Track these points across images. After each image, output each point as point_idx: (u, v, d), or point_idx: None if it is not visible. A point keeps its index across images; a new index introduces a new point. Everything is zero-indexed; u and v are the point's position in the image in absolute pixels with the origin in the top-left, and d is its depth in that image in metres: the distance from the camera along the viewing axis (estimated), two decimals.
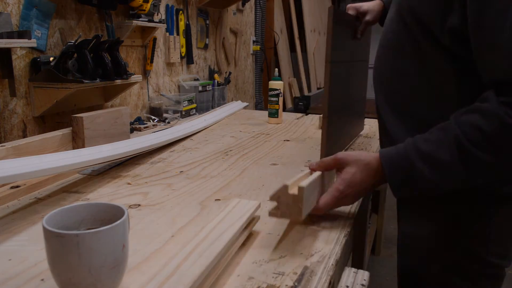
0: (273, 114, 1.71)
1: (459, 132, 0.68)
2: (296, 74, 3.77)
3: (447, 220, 0.80)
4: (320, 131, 1.18)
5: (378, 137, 0.99)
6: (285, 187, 0.69)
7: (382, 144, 0.93)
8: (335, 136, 1.15)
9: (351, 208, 0.84)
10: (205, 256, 0.55)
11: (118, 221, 0.50)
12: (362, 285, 0.65)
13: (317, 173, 0.77)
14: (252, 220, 0.72)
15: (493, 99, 0.66)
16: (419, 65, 0.79)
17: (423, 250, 0.85)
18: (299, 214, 0.68)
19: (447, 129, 0.70)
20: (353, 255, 1.07)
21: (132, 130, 1.51)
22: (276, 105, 1.70)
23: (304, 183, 0.69)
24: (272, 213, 0.71)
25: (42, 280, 0.57)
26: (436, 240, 0.82)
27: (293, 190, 0.69)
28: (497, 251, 0.79)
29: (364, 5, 1.15)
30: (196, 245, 0.58)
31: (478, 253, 0.79)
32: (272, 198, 0.70)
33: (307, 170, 0.80)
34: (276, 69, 1.77)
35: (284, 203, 0.69)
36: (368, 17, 1.15)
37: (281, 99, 1.70)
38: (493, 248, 0.79)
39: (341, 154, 0.79)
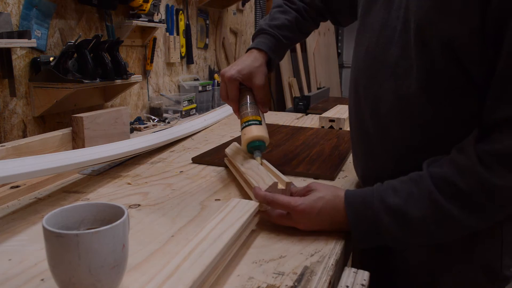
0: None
1: (433, 188, 0.62)
2: (296, 74, 3.77)
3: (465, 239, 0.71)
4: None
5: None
6: (275, 184, 0.74)
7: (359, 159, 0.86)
8: None
9: None
10: (205, 256, 0.55)
11: (118, 221, 0.50)
12: (362, 285, 0.65)
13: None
14: (252, 220, 0.72)
15: (471, 152, 0.60)
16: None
17: (432, 268, 0.77)
18: None
19: (420, 182, 0.63)
20: (353, 255, 1.07)
21: (132, 130, 1.51)
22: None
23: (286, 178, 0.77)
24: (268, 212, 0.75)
25: (42, 280, 0.57)
26: (449, 255, 0.75)
27: (280, 186, 0.76)
28: (510, 262, 0.74)
29: (244, 70, 0.92)
30: (196, 245, 0.58)
31: (492, 266, 0.74)
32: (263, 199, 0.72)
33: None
34: None
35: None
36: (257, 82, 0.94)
37: None
38: (506, 260, 0.74)
39: (313, 183, 0.74)
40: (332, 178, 0.98)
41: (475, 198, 0.60)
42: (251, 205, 0.72)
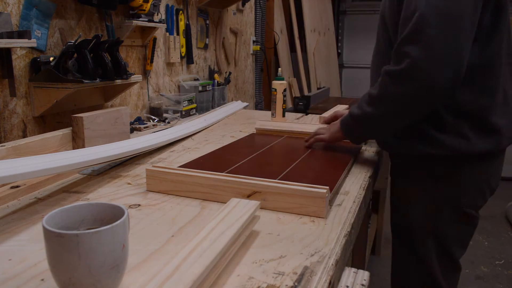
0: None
1: (365, 96, 1.04)
2: (296, 74, 3.77)
3: (430, 179, 1.04)
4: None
5: None
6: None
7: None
8: None
9: (351, 207, 0.84)
10: (205, 256, 0.55)
11: (118, 221, 0.50)
12: (362, 285, 0.65)
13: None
14: (252, 220, 0.72)
15: (383, 71, 0.96)
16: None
17: (411, 204, 1.08)
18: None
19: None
20: (353, 255, 1.07)
21: (132, 130, 1.51)
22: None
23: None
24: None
25: (42, 280, 0.57)
26: (421, 194, 1.06)
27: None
28: (467, 201, 1.02)
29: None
30: (196, 245, 0.58)
31: (453, 202, 1.02)
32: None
33: None
34: (280, 69, 1.77)
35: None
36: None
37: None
38: (464, 198, 1.02)
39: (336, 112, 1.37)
40: None
41: (379, 99, 0.98)
42: (251, 205, 0.72)
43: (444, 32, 0.85)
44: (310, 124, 1.51)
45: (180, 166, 0.99)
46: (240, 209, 0.71)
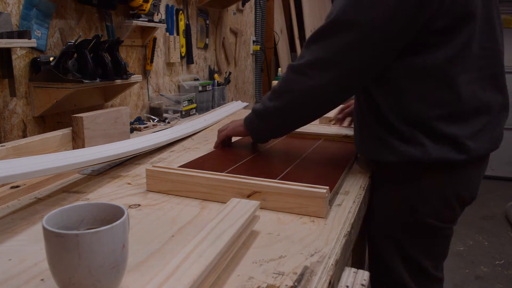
0: None
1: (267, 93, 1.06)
2: None
3: (395, 185, 1.02)
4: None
5: None
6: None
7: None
8: None
9: (350, 207, 0.84)
10: (205, 256, 0.55)
11: (118, 221, 0.50)
12: (362, 285, 0.65)
13: None
14: (252, 220, 0.72)
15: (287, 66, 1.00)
16: None
17: (376, 210, 1.07)
18: None
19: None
20: (353, 255, 1.07)
21: (132, 130, 1.51)
22: None
23: None
24: None
25: (42, 280, 0.57)
26: (389, 202, 1.04)
27: None
28: (427, 211, 0.99)
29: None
30: (196, 245, 0.58)
31: (413, 211, 0.99)
32: None
33: None
34: (280, 69, 1.77)
35: None
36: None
37: None
38: (423, 208, 0.98)
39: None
40: None
41: (277, 91, 1.02)
42: (251, 205, 0.72)
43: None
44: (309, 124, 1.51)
45: (180, 166, 0.99)
46: (240, 209, 0.71)
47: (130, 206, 0.83)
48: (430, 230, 1.01)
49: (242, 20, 2.90)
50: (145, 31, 1.77)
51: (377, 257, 1.08)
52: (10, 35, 1.11)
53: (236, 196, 0.82)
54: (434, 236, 1.03)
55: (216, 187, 0.86)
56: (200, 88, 2.07)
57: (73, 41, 1.26)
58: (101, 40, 1.32)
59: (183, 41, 2.10)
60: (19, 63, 1.23)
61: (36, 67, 1.26)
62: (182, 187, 0.89)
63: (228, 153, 1.18)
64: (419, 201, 0.99)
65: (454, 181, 0.97)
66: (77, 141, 1.18)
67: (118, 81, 1.41)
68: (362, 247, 1.33)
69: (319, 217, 0.79)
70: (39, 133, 1.28)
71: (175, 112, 1.85)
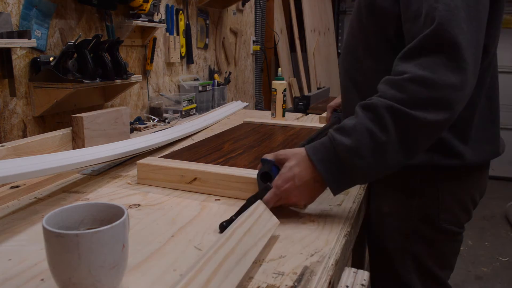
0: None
1: (383, 106, 0.72)
2: (296, 74, 3.77)
3: (405, 193, 0.94)
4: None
5: None
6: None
7: None
8: None
9: (350, 207, 0.84)
10: (231, 276, 0.53)
11: (118, 221, 0.50)
12: (362, 285, 0.65)
13: None
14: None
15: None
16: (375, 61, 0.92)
17: (388, 224, 0.97)
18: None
19: (363, 113, 0.74)
20: (353, 255, 1.07)
21: (132, 130, 1.51)
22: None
23: None
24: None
25: (42, 280, 0.57)
26: (398, 212, 0.95)
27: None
28: (447, 217, 0.93)
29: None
30: (225, 257, 0.56)
31: (431, 219, 0.93)
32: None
33: None
34: (280, 69, 1.77)
35: None
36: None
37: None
38: (443, 215, 0.92)
39: (282, 151, 0.80)
40: None
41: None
42: (272, 224, 0.70)
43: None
44: (310, 123, 1.51)
45: (161, 157, 1.04)
46: (264, 222, 0.68)
47: (130, 206, 0.83)
48: (450, 238, 0.96)
49: (242, 20, 2.89)
50: (145, 31, 1.77)
51: (389, 274, 1.00)
52: (10, 35, 1.11)
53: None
54: (453, 243, 0.98)
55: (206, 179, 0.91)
56: (200, 88, 2.07)
57: (73, 41, 1.26)
58: (101, 40, 1.32)
59: (183, 41, 2.10)
60: (19, 63, 1.23)
61: (36, 67, 1.26)
62: (167, 178, 0.95)
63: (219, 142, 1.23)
64: (439, 209, 0.93)
65: (469, 184, 0.95)
66: (77, 141, 1.18)
67: (118, 81, 1.41)
68: (362, 247, 1.33)
69: (319, 216, 0.79)
70: (39, 133, 1.28)
71: (175, 112, 1.85)
